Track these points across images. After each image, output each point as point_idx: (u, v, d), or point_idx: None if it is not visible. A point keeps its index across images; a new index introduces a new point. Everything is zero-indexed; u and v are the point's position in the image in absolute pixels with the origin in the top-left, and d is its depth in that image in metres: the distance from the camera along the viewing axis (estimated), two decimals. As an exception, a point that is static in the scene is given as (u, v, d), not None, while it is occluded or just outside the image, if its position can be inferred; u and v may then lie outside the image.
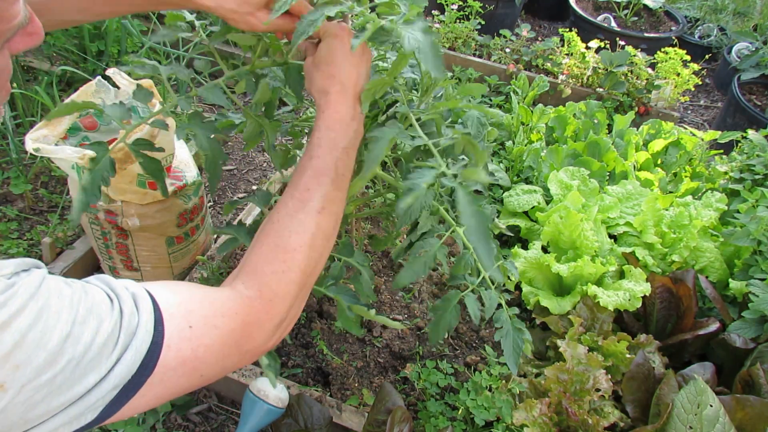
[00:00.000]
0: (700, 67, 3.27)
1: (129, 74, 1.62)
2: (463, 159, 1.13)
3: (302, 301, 0.87)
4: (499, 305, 1.13)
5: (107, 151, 0.97)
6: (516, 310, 1.15)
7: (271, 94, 1.12)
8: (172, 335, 0.66)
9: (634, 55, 3.12)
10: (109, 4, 0.93)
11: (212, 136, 1.04)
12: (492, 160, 2.57)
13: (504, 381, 1.58)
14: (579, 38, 3.30)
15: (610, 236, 2.13)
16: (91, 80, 1.66)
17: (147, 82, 1.62)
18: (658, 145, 2.61)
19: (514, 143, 2.59)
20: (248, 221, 2.00)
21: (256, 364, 1.70)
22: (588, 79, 3.20)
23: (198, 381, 0.70)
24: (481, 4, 3.55)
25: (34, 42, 0.62)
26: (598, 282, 1.93)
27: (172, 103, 1.02)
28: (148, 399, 0.65)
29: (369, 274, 1.18)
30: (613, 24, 3.90)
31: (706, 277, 1.91)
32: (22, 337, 0.55)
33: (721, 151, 2.67)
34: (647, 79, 3.11)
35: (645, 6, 4.03)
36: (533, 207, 2.19)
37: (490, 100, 3.14)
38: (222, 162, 1.07)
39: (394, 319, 1.89)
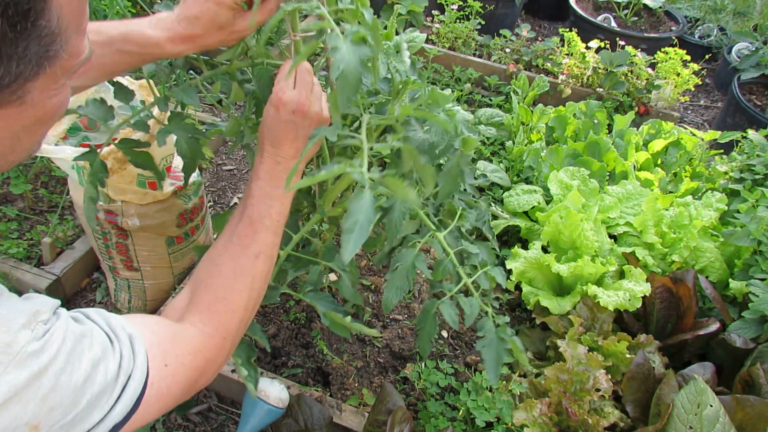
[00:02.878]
0: (700, 67, 3.27)
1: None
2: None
3: (239, 338, 0.94)
4: (485, 313, 1.11)
5: (96, 155, 1.01)
6: (506, 318, 1.12)
7: (252, 94, 1.13)
8: (154, 374, 0.71)
9: (634, 55, 3.12)
10: (123, 64, 0.97)
11: (190, 136, 1.06)
12: (492, 160, 2.57)
13: (504, 381, 1.58)
14: (579, 38, 3.30)
15: (610, 236, 2.13)
16: (91, 80, 1.65)
17: (144, 83, 1.62)
18: (658, 145, 2.61)
19: (514, 143, 2.59)
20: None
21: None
22: (588, 79, 3.20)
23: (161, 413, 0.75)
24: (481, 4, 3.55)
25: (87, 68, 0.64)
26: (598, 282, 1.93)
27: (152, 102, 1.04)
28: (126, 430, 0.68)
29: (351, 279, 1.18)
30: (613, 24, 3.90)
31: (706, 277, 1.91)
32: (57, 380, 0.59)
33: (721, 151, 2.67)
34: (647, 79, 3.11)
35: (645, 6, 4.03)
36: (533, 207, 2.19)
37: (491, 100, 3.14)
38: (200, 159, 1.11)
39: (393, 319, 1.90)
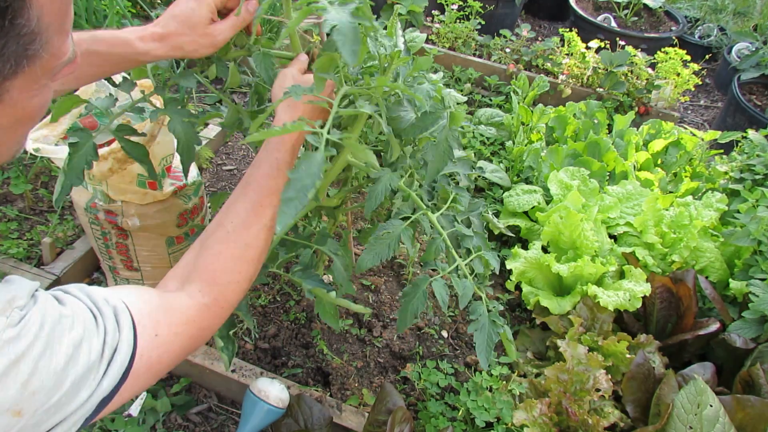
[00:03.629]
0: (700, 67, 3.27)
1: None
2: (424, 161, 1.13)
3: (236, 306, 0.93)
4: (479, 297, 1.11)
5: (90, 137, 1.00)
6: (497, 304, 1.13)
7: (259, 87, 1.13)
8: (143, 345, 0.70)
9: (634, 55, 3.12)
10: (92, 66, 0.97)
11: (185, 120, 1.07)
12: (492, 160, 2.57)
13: (504, 381, 1.58)
14: (579, 38, 3.30)
15: (610, 236, 2.13)
16: (91, 80, 1.65)
17: (147, 83, 1.62)
18: (658, 145, 2.61)
19: (514, 143, 2.59)
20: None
21: (256, 364, 1.70)
22: (588, 79, 3.20)
23: (154, 381, 0.75)
24: (481, 4, 3.55)
25: (71, 70, 0.63)
26: (598, 282, 1.93)
27: (152, 91, 1.04)
28: (116, 403, 0.68)
29: (343, 263, 1.17)
30: (613, 24, 3.90)
31: (706, 277, 1.91)
32: (36, 364, 0.58)
33: (721, 151, 2.67)
34: (647, 79, 3.11)
35: (645, 6, 4.03)
36: (533, 207, 2.19)
37: (491, 100, 3.14)
38: (196, 144, 1.12)
39: (393, 319, 1.89)
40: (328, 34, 0.82)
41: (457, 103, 1.12)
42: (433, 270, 1.11)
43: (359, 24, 0.80)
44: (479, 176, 2.43)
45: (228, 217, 0.88)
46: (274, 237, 1.11)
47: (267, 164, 0.91)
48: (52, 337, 0.60)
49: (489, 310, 1.10)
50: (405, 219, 1.08)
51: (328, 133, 0.77)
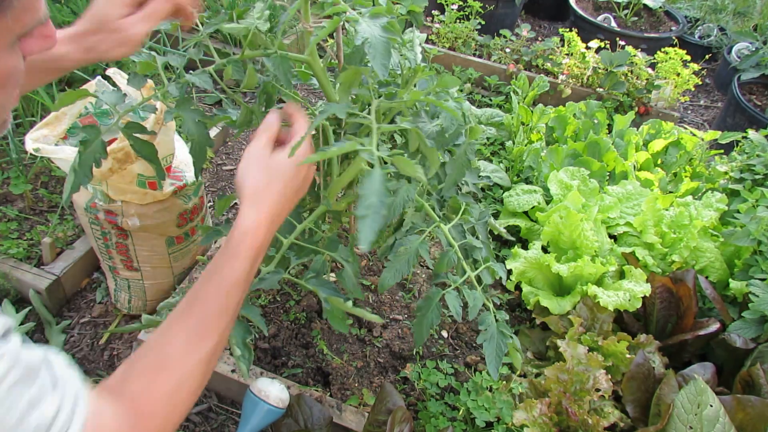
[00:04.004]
0: (700, 67, 3.27)
1: (120, 68, 1.62)
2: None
3: None
4: (487, 308, 1.12)
5: (99, 134, 0.99)
6: (504, 315, 1.13)
7: (268, 87, 1.13)
8: None
9: (634, 55, 3.12)
10: (43, 72, 0.91)
11: (198, 120, 1.06)
12: (492, 160, 2.57)
13: (504, 381, 1.58)
14: (579, 38, 3.30)
15: (610, 236, 2.14)
16: (90, 80, 1.66)
17: (150, 82, 1.62)
18: (658, 145, 2.61)
19: (514, 143, 2.60)
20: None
21: (256, 364, 1.70)
22: (588, 79, 3.20)
23: None
24: (481, 4, 3.55)
25: (48, 45, 0.62)
26: (598, 282, 1.93)
27: (163, 89, 1.03)
28: None
29: (353, 269, 1.17)
30: (613, 24, 3.90)
31: (706, 277, 1.91)
32: None
33: (722, 151, 2.67)
34: (647, 79, 3.11)
35: (645, 6, 4.03)
36: (533, 207, 2.19)
37: (491, 100, 3.14)
38: (208, 146, 1.10)
39: (393, 319, 1.89)
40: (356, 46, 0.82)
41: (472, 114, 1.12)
42: (438, 283, 1.11)
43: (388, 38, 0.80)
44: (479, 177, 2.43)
45: (165, 338, 0.77)
46: (284, 241, 1.09)
47: (218, 277, 0.80)
48: (17, 387, 0.56)
49: (497, 320, 1.11)
50: (418, 232, 1.09)
51: (377, 149, 0.76)
